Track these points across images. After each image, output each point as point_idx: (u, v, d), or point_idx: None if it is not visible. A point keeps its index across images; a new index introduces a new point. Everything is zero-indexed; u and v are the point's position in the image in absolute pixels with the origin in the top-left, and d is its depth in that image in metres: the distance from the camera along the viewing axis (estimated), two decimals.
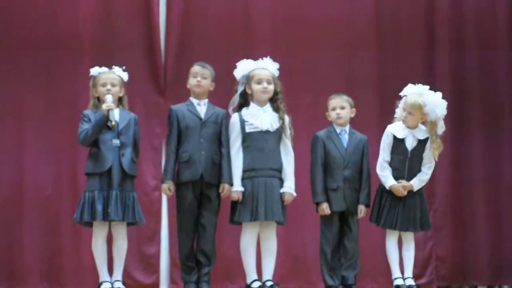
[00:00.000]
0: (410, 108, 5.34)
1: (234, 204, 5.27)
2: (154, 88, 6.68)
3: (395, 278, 5.42)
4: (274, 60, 5.47)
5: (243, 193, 5.21)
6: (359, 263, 5.46)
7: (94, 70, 5.39)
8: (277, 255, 5.34)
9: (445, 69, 7.04)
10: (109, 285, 5.20)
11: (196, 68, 5.43)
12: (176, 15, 6.75)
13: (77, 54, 6.61)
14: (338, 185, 5.40)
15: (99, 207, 5.06)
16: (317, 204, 5.44)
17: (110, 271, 5.26)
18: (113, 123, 5.14)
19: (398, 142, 5.39)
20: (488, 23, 7.13)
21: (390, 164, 5.39)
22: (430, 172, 5.43)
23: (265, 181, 5.21)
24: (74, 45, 6.63)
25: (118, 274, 5.26)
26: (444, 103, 5.43)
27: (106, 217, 5.09)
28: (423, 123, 5.45)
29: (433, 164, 5.45)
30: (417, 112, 5.34)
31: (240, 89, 5.40)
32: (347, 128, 5.51)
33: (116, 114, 5.22)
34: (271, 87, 5.33)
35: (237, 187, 5.22)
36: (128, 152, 5.21)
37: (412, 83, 5.48)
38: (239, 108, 5.37)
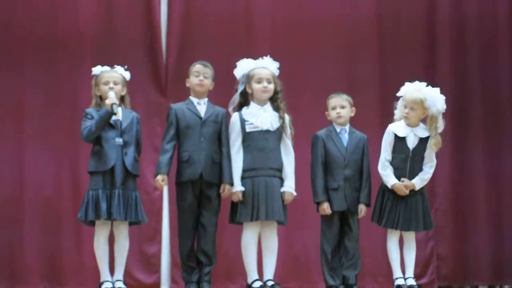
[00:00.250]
0: (412, 103, 5.36)
1: (235, 204, 5.27)
2: (155, 88, 6.68)
3: (396, 278, 5.42)
4: (275, 59, 5.47)
5: (244, 193, 5.20)
6: (360, 263, 5.46)
7: (96, 69, 5.40)
8: (277, 255, 5.33)
9: (446, 69, 7.05)
10: (110, 284, 5.20)
11: (198, 67, 5.42)
12: (177, 15, 6.76)
13: (78, 54, 6.62)
14: (338, 184, 5.40)
15: (103, 206, 5.07)
16: (318, 204, 5.44)
17: (111, 270, 5.26)
18: (118, 115, 5.12)
19: (399, 141, 5.40)
20: (489, 23, 7.14)
21: (392, 163, 5.39)
22: (431, 171, 5.44)
23: (266, 180, 5.21)
24: (75, 44, 6.64)
25: (119, 273, 5.26)
26: (443, 97, 5.46)
27: (109, 216, 5.09)
28: (423, 121, 5.45)
29: (435, 163, 5.45)
30: (419, 107, 5.36)
31: (240, 88, 5.39)
32: (347, 127, 5.52)
33: (119, 113, 5.21)
34: (271, 86, 5.33)
35: (237, 187, 5.21)
36: (131, 151, 5.21)
37: (409, 81, 5.50)
38: (239, 107, 5.37)
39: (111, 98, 5.15)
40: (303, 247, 6.65)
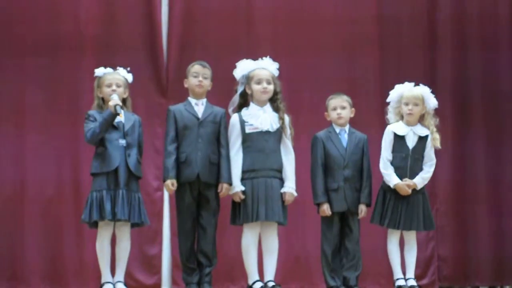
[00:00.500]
0: (414, 99, 5.41)
1: (236, 205, 5.27)
2: (156, 88, 6.68)
3: (397, 279, 5.41)
4: (276, 59, 5.47)
5: (244, 193, 5.20)
6: (361, 264, 5.45)
7: (99, 71, 5.39)
8: (278, 256, 5.33)
9: (447, 69, 7.04)
10: (111, 286, 5.21)
11: (196, 68, 5.41)
12: (178, 15, 6.76)
13: (79, 54, 6.62)
14: (338, 185, 5.39)
15: (107, 207, 5.07)
16: (318, 205, 5.44)
17: (112, 271, 5.26)
18: (121, 115, 5.12)
19: (399, 140, 5.41)
20: (490, 23, 7.13)
21: (392, 162, 5.40)
22: (432, 170, 5.45)
23: (266, 181, 5.21)
24: (76, 45, 6.64)
25: (120, 275, 5.26)
26: (433, 95, 5.50)
27: (113, 217, 5.09)
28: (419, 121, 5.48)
29: (434, 162, 5.47)
30: (421, 102, 5.42)
31: (239, 89, 5.39)
32: (347, 128, 5.52)
33: (122, 115, 5.22)
34: (271, 87, 5.33)
35: (238, 187, 5.21)
36: (134, 153, 5.22)
37: (409, 81, 5.54)
38: (239, 108, 5.37)
39: (114, 99, 5.15)
40: (304, 248, 6.65)
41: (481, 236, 6.91)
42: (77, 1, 6.68)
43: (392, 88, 5.60)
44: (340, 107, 5.50)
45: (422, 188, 5.42)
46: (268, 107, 5.33)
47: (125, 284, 5.27)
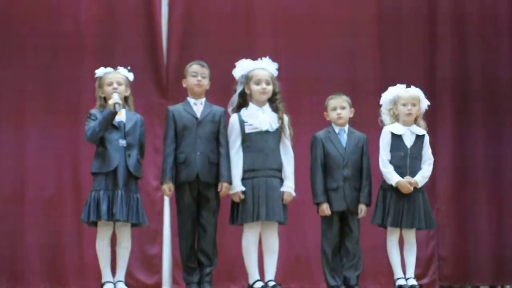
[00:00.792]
0: (412, 99, 5.45)
1: (235, 205, 5.27)
2: (156, 88, 6.69)
3: (397, 278, 5.41)
4: (276, 59, 5.48)
5: (243, 193, 5.20)
6: (361, 263, 5.46)
7: (100, 71, 5.39)
8: (278, 255, 5.33)
9: (447, 68, 7.06)
10: (112, 285, 5.21)
11: (195, 67, 5.41)
12: (178, 15, 6.76)
13: (79, 54, 6.62)
14: (338, 184, 5.40)
15: (104, 207, 5.07)
16: (318, 204, 5.44)
17: (113, 271, 5.26)
18: (120, 113, 5.12)
19: (396, 140, 5.42)
20: (490, 22, 7.14)
21: (391, 162, 5.40)
22: (431, 168, 5.46)
23: (266, 181, 5.21)
24: (76, 45, 6.64)
25: (121, 274, 5.26)
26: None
27: (111, 217, 5.09)
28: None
29: (432, 160, 5.49)
30: (418, 102, 5.46)
31: (239, 89, 5.39)
32: (346, 127, 5.52)
33: (123, 115, 5.23)
34: (270, 88, 5.33)
35: (238, 187, 5.21)
36: (134, 153, 5.22)
37: (408, 82, 5.57)
38: (238, 108, 5.37)
39: (114, 98, 5.15)
40: (304, 247, 6.66)
41: (482, 235, 6.92)
42: (77, 1, 6.68)
43: None
44: (340, 107, 5.50)
45: (422, 187, 5.42)
46: (267, 107, 5.33)
47: (126, 284, 5.27)
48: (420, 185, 5.38)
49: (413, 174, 5.38)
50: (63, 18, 6.66)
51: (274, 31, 6.89)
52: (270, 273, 5.27)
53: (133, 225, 5.27)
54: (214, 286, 5.34)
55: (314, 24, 6.93)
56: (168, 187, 5.25)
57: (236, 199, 5.22)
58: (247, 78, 5.35)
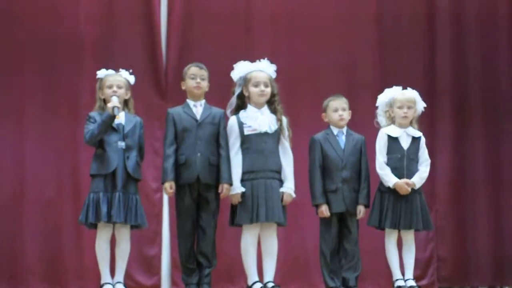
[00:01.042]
0: (408, 102, 5.46)
1: (235, 206, 5.27)
2: (155, 90, 6.68)
3: (396, 280, 5.42)
4: (275, 60, 5.48)
5: (243, 194, 5.20)
6: (360, 264, 5.46)
7: (101, 73, 5.40)
8: (277, 257, 5.33)
9: (446, 69, 7.05)
10: (111, 286, 5.21)
11: (193, 70, 5.41)
12: (177, 17, 6.75)
13: (78, 55, 6.61)
14: (337, 186, 5.40)
15: (103, 209, 5.07)
16: (317, 206, 5.44)
17: (112, 273, 5.27)
18: (118, 116, 5.13)
19: (393, 142, 5.44)
20: (490, 23, 7.14)
21: (388, 164, 5.41)
22: (427, 170, 5.47)
23: (265, 182, 5.21)
24: (76, 46, 6.63)
25: (120, 276, 5.27)
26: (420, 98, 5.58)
27: (109, 219, 5.09)
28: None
29: (429, 161, 5.49)
30: (414, 104, 5.47)
31: (237, 91, 5.39)
32: (344, 129, 5.53)
33: (122, 117, 5.24)
34: (268, 90, 5.33)
35: (237, 189, 5.21)
36: (133, 155, 5.22)
37: (408, 82, 5.57)
38: (236, 110, 5.37)
39: (113, 101, 5.16)
40: (303, 248, 6.65)
41: (481, 236, 6.92)
42: (76, 2, 6.68)
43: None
44: (341, 109, 5.51)
45: (419, 188, 5.43)
46: (265, 109, 5.33)
47: (125, 285, 5.28)
48: (417, 186, 5.39)
49: (410, 176, 5.38)
50: (62, 19, 6.65)
51: (273, 31, 6.88)
52: (269, 275, 5.27)
53: (132, 227, 5.28)
54: (213, 287, 5.34)
55: (313, 25, 6.92)
56: (169, 185, 5.24)
57: (235, 201, 5.22)
58: (245, 80, 5.35)
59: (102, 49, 6.60)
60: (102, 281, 5.24)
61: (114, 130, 5.21)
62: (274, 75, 5.41)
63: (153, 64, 6.69)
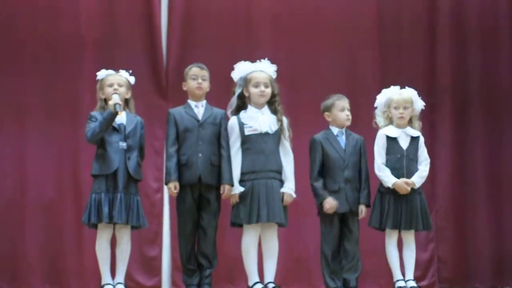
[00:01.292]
0: (404, 102, 5.46)
1: (235, 207, 5.27)
2: (156, 90, 6.68)
3: (397, 281, 5.42)
4: (275, 60, 5.48)
5: (244, 194, 5.20)
6: (361, 265, 5.46)
7: (101, 73, 5.40)
8: (278, 257, 5.32)
9: (447, 68, 7.05)
10: (111, 287, 5.21)
11: (195, 70, 5.42)
12: (177, 17, 6.75)
13: (78, 56, 6.62)
14: (339, 186, 5.39)
15: (105, 210, 5.08)
16: (321, 204, 5.41)
17: (112, 273, 5.27)
18: (120, 112, 5.12)
19: (392, 142, 5.44)
20: (490, 23, 7.13)
21: (388, 164, 5.41)
22: (427, 169, 5.47)
23: (266, 182, 5.21)
24: (76, 46, 6.63)
25: (120, 276, 5.27)
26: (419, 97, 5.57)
27: (111, 219, 5.10)
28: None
29: (429, 161, 5.49)
30: (411, 105, 5.47)
31: (237, 91, 5.39)
32: (344, 129, 5.53)
33: (123, 117, 5.24)
34: (268, 90, 5.33)
35: (236, 189, 5.22)
36: (134, 156, 5.22)
37: (408, 82, 5.58)
38: (237, 110, 5.37)
39: (115, 98, 5.16)
40: (304, 249, 6.65)
41: (481, 237, 6.91)
42: (77, 3, 6.68)
43: None
44: (347, 109, 5.52)
45: (419, 188, 5.43)
46: (266, 109, 5.33)
47: (125, 286, 5.28)
48: (417, 185, 5.39)
49: (410, 176, 5.38)
50: (63, 20, 6.66)
51: (274, 31, 6.88)
52: (270, 275, 5.27)
53: (133, 227, 5.28)
54: None
55: (314, 25, 6.92)
56: (174, 185, 5.23)
57: (233, 201, 5.23)
58: (245, 81, 5.35)
59: (102, 50, 6.60)
60: (103, 282, 5.24)
61: (116, 130, 5.21)
62: (274, 75, 5.41)
63: (154, 64, 6.69)
